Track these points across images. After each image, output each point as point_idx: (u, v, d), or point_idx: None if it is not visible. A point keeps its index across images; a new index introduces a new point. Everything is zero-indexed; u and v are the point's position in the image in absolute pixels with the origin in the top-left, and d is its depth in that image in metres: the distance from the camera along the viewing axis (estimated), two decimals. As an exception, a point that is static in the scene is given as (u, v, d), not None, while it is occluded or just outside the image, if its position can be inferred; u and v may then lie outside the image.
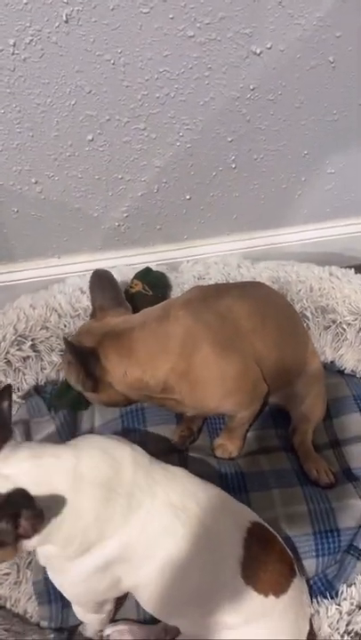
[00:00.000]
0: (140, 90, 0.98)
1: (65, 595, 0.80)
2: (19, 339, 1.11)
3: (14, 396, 1.08)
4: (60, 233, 1.21)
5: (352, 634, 0.85)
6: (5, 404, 0.71)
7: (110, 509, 0.71)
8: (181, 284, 1.23)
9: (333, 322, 1.18)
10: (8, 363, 1.09)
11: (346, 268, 1.26)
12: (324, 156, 1.22)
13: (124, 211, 1.19)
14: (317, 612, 0.87)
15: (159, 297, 1.17)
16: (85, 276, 1.10)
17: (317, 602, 0.89)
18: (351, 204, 1.36)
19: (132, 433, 1.03)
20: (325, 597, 0.89)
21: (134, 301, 1.12)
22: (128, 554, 0.72)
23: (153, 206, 1.20)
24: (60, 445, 0.76)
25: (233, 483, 0.97)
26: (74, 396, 1.01)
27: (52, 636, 0.87)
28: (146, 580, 0.74)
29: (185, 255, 1.31)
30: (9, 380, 1.09)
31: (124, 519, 0.72)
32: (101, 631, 0.88)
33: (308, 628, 0.81)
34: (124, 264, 1.26)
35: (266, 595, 0.74)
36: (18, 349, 1.10)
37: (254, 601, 0.74)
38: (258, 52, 0.98)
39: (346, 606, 0.87)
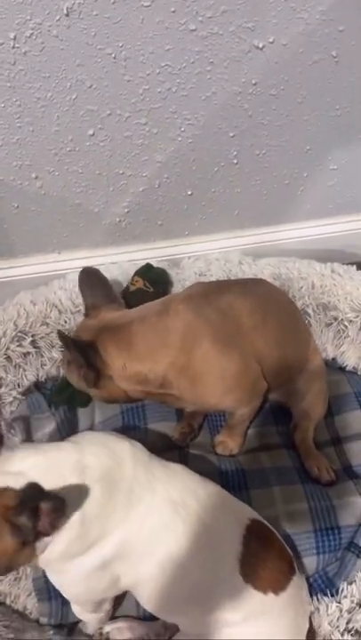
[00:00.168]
0: (141, 84, 0.97)
1: (64, 594, 0.80)
2: (19, 335, 1.10)
3: (14, 393, 1.09)
4: (61, 228, 1.20)
5: (352, 631, 0.85)
6: None
7: (112, 504, 0.71)
8: (182, 281, 1.23)
9: (335, 319, 1.18)
10: (8, 359, 1.09)
11: (348, 264, 1.25)
12: (326, 151, 1.21)
13: (124, 206, 1.18)
14: (318, 609, 0.87)
15: (160, 293, 1.16)
16: (86, 272, 1.10)
17: (318, 599, 0.89)
18: (353, 201, 1.35)
19: (133, 430, 1.03)
20: (326, 595, 0.90)
21: (136, 298, 1.11)
22: (127, 551, 0.72)
23: (154, 202, 1.19)
24: (61, 442, 0.75)
25: (234, 480, 0.97)
26: (73, 393, 1.01)
27: (51, 632, 0.88)
28: (145, 577, 0.74)
29: (186, 251, 1.30)
30: (9, 377, 1.09)
31: (125, 515, 0.72)
32: (101, 628, 0.88)
33: (307, 625, 0.81)
34: (124, 260, 1.26)
35: (265, 592, 0.74)
36: (18, 345, 1.10)
37: (253, 598, 0.74)
38: (260, 46, 0.97)
39: (346, 604, 0.87)
